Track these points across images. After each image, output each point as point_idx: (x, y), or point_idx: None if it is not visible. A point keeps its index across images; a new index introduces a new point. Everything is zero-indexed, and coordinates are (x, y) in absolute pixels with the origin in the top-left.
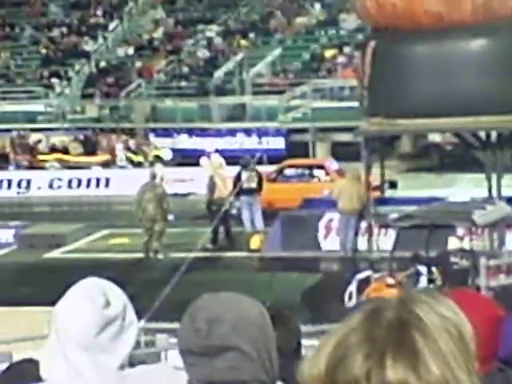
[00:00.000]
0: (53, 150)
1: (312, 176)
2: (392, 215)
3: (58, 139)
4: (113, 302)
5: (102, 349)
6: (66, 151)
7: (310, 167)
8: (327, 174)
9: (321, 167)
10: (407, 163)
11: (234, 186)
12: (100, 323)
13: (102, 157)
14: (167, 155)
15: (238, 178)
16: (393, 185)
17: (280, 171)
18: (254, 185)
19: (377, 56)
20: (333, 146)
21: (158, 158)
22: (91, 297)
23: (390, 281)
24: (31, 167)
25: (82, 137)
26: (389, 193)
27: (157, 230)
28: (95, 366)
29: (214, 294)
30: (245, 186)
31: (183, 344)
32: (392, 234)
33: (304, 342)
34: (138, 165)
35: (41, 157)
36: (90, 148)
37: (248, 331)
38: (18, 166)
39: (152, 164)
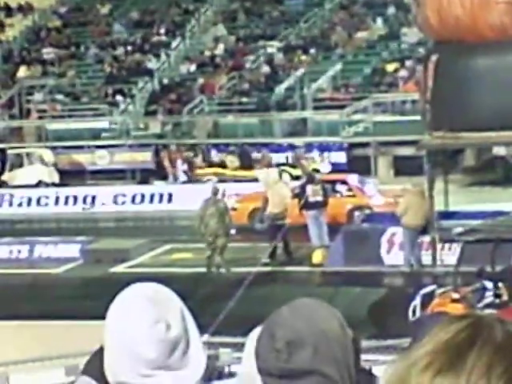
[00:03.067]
0: (210, 163)
1: (334, 191)
2: (456, 229)
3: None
4: (172, 323)
5: (176, 367)
6: (223, 165)
7: (333, 182)
8: (349, 189)
9: (344, 182)
10: (471, 177)
11: (299, 200)
12: (168, 348)
13: (259, 170)
14: (325, 168)
15: (302, 191)
16: None
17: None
18: (319, 198)
19: (439, 69)
20: (395, 160)
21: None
22: (151, 324)
23: (455, 296)
24: (189, 181)
25: (238, 151)
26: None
27: (219, 245)
28: (176, 381)
29: (292, 306)
30: (310, 199)
31: (262, 364)
32: (456, 248)
33: (369, 357)
34: (296, 178)
35: (198, 171)
36: (246, 162)
37: (329, 352)
38: (176, 180)
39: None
